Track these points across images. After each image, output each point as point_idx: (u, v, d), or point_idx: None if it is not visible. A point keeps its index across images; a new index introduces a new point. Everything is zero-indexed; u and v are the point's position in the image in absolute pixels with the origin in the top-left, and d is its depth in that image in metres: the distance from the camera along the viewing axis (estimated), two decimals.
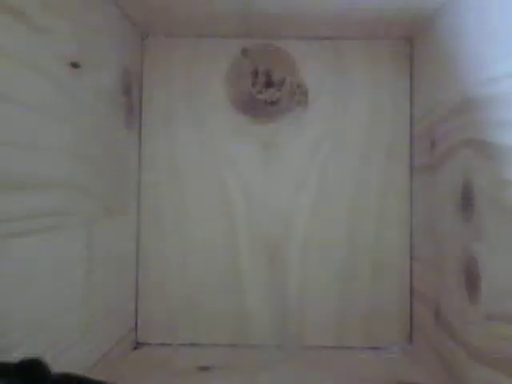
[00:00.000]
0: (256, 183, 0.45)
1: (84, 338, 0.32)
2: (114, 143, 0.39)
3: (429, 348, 0.39)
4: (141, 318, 0.45)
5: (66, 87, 0.30)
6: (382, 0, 0.37)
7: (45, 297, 0.27)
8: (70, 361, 0.30)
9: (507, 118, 0.27)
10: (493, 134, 0.29)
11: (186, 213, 0.45)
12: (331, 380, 0.37)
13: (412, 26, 0.42)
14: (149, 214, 0.45)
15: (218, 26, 0.43)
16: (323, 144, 0.45)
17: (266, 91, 0.45)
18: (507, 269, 0.27)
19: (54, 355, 0.28)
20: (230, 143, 0.45)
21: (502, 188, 0.27)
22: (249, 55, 0.46)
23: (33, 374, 0.17)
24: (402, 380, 0.37)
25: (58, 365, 0.29)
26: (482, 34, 0.30)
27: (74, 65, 0.30)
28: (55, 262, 0.28)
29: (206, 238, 0.45)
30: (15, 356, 0.24)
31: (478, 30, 0.31)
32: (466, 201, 0.32)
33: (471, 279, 0.31)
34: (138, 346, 0.44)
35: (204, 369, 0.39)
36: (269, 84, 0.45)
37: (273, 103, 0.45)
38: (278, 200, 0.45)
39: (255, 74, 0.45)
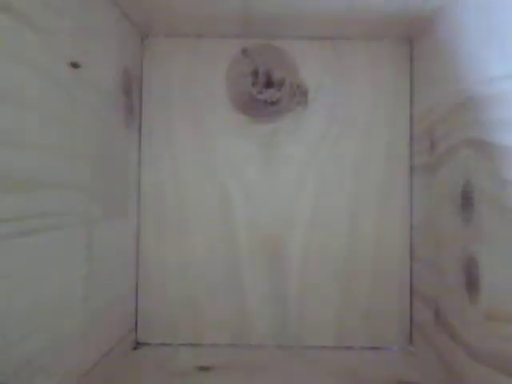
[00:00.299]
0: (256, 183, 0.45)
1: (84, 338, 0.32)
2: (114, 143, 0.39)
3: (429, 348, 0.39)
4: (141, 318, 0.45)
5: (66, 87, 0.30)
6: (381, 0, 0.37)
7: (45, 297, 0.27)
8: (70, 361, 0.30)
9: (507, 118, 0.27)
10: (493, 134, 0.29)
11: (186, 213, 0.45)
12: (331, 380, 0.37)
13: (412, 27, 0.42)
14: (149, 214, 0.45)
15: (218, 26, 0.43)
16: (323, 144, 0.45)
17: (266, 91, 0.45)
18: (507, 269, 0.27)
19: (54, 355, 0.28)
20: (230, 143, 0.45)
21: (502, 188, 0.27)
22: (249, 55, 0.46)
23: None
24: (402, 380, 0.37)
25: (58, 365, 0.29)
26: (482, 34, 0.30)
27: (74, 65, 0.30)
28: (55, 262, 0.28)
29: (206, 238, 0.45)
30: (14, 356, 0.24)
31: (478, 30, 0.31)
32: (466, 201, 0.32)
33: (471, 279, 0.31)
34: (137, 346, 0.44)
35: (204, 369, 0.39)
36: (269, 84, 0.45)
37: (273, 103, 0.45)
38: (278, 200, 0.45)
39: (255, 74, 0.45)
